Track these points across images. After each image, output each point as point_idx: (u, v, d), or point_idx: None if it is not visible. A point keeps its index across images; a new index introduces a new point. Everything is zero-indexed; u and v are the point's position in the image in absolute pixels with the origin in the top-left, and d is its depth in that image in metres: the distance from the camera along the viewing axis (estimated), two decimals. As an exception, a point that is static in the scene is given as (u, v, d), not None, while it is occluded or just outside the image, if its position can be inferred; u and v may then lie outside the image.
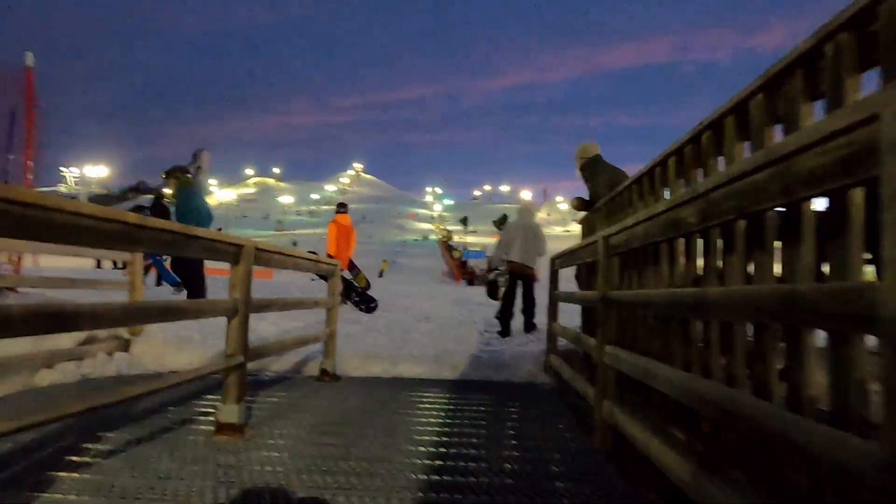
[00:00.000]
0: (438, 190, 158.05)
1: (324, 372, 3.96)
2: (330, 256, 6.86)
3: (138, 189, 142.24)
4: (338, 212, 7.96)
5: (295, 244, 50.97)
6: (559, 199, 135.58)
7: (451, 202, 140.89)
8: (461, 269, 28.25)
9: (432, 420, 2.89)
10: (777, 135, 1.32)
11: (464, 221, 51.43)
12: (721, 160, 1.63)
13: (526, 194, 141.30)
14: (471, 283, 24.93)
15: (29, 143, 5.70)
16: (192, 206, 5.84)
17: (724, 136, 1.58)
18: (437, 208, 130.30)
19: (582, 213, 4.46)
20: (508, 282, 6.11)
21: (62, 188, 51.37)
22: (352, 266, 7.98)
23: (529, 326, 6.14)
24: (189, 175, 6.22)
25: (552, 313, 4.41)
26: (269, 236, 77.89)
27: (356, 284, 7.78)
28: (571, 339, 3.48)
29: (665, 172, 2.13)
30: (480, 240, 60.76)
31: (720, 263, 1.54)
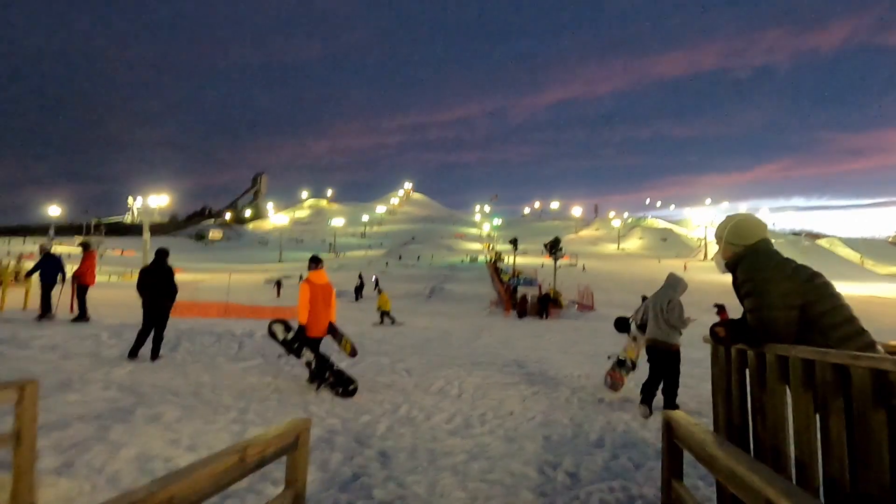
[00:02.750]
0: (487, 208, 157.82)
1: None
2: (302, 327, 5.65)
3: (203, 214, 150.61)
4: (310, 268, 6.12)
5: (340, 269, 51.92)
6: (611, 214, 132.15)
7: (500, 220, 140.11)
8: (511, 297, 27.41)
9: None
10: None
11: (514, 243, 50.77)
12: None
13: (577, 210, 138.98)
14: (522, 314, 24.13)
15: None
16: None
17: None
18: (486, 228, 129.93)
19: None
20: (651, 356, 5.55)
21: (127, 218, 54.84)
22: (333, 332, 6.42)
23: (671, 405, 5.37)
24: None
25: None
26: (323, 258, 79.81)
27: (330, 362, 5.78)
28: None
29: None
30: (531, 261, 59.69)
31: None
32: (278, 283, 34.24)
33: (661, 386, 5.41)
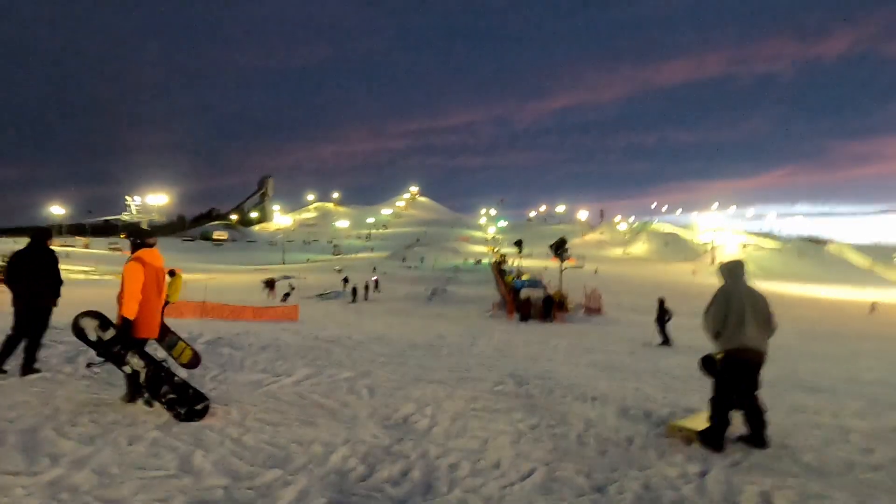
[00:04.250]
0: (493, 212, 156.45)
1: None
2: (128, 323, 3.86)
3: (210, 216, 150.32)
4: (138, 244, 4.20)
5: (340, 270, 50.47)
6: (617, 218, 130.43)
7: (506, 224, 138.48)
8: (514, 300, 25.73)
9: None
10: None
11: (518, 244, 49.13)
12: None
13: (583, 214, 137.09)
14: (525, 318, 22.45)
15: None
16: None
17: None
18: (492, 230, 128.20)
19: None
20: (730, 372, 3.92)
21: (125, 216, 53.71)
22: (165, 332, 4.86)
23: (759, 440, 3.84)
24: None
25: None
26: (325, 260, 78.90)
27: (167, 370, 3.90)
28: None
29: None
30: (536, 263, 58.21)
31: None
32: (270, 283, 32.70)
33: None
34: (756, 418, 3.83)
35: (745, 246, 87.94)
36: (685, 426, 3.99)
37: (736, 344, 3.83)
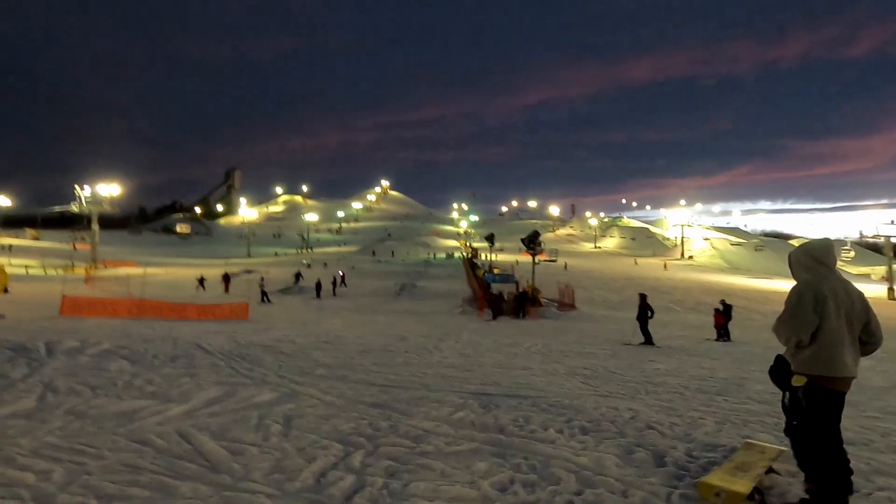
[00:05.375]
0: (465, 206, 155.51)
1: None
2: None
3: (173, 208, 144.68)
4: None
5: (308, 266, 48.46)
6: (588, 214, 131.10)
7: (477, 218, 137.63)
8: (485, 295, 24.53)
9: None
10: None
11: (489, 239, 48.06)
12: None
13: (554, 209, 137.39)
14: (496, 314, 21.23)
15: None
16: None
17: None
18: (464, 224, 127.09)
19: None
20: (819, 407, 2.64)
21: (74, 207, 50.28)
22: None
23: None
24: None
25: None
26: (294, 254, 76.34)
27: None
28: None
29: None
30: (507, 258, 57.41)
31: None
32: (226, 278, 30.67)
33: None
34: (836, 475, 2.60)
35: (706, 240, 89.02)
36: (730, 489, 2.72)
37: (828, 368, 2.57)
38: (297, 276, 34.90)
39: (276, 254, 77.41)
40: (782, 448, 3.34)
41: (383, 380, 5.81)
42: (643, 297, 13.19)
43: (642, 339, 12.56)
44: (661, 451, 3.57)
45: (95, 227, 50.64)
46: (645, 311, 12.76)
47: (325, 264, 49.57)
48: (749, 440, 3.60)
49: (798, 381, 2.67)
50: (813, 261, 2.75)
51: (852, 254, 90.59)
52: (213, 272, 40.36)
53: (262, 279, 29.17)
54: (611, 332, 16.84)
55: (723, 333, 14.94)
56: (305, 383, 5.35)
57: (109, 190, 50.38)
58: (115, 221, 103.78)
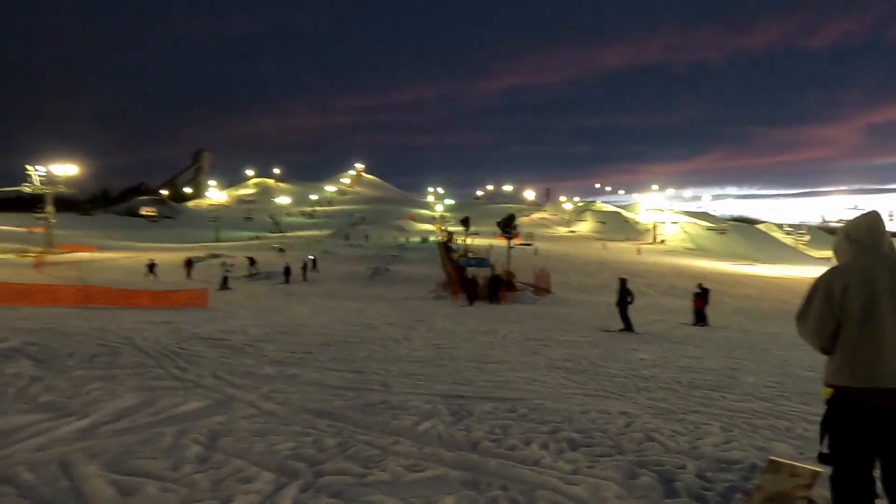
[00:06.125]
0: (441, 190, 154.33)
1: None
2: None
3: (138, 190, 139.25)
4: None
5: (281, 250, 46.92)
6: (563, 198, 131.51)
7: (453, 202, 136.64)
8: (460, 279, 23.83)
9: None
10: None
11: (465, 222, 47.34)
12: None
13: (529, 194, 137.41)
14: (471, 300, 20.55)
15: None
16: None
17: None
18: (439, 208, 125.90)
19: None
20: (847, 428, 1.97)
21: (26, 188, 47.39)
22: None
23: None
24: None
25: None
26: (265, 237, 74.17)
27: None
28: None
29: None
30: (482, 242, 57.07)
31: None
32: (188, 263, 29.18)
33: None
34: None
35: (674, 223, 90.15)
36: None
37: (858, 376, 1.94)
38: (252, 261, 32.69)
39: (257, 237, 75.31)
40: (816, 469, 2.74)
41: (340, 380, 5.06)
42: (623, 282, 12.70)
43: (622, 326, 12.11)
44: (668, 472, 2.92)
45: (50, 208, 47.96)
46: (625, 297, 12.28)
47: (282, 249, 47.77)
48: (773, 458, 3.00)
49: (825, 392, 2.04)
50: (848, 242, 2.07)
51: (807, 237, 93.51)
52: (177, 257, 38.67)
53: (226, 264, 27.79)
54: (588, 317, 16.42)
55: (701, 318, 14.65)
56: (246, 386, 4.57)
57: (65, 170, 47.63)
58: (78, 204, 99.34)
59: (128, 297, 14.94)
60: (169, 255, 45.52)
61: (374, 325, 10.87)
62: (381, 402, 4.24)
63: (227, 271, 26.11)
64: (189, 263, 28.75)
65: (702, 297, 15.01)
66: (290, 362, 5.79)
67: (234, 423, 3.55)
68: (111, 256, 41.95)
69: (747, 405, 4.72)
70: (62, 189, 47.68)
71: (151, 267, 26.96)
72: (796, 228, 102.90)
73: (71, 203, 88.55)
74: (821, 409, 2.05)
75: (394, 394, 4.57)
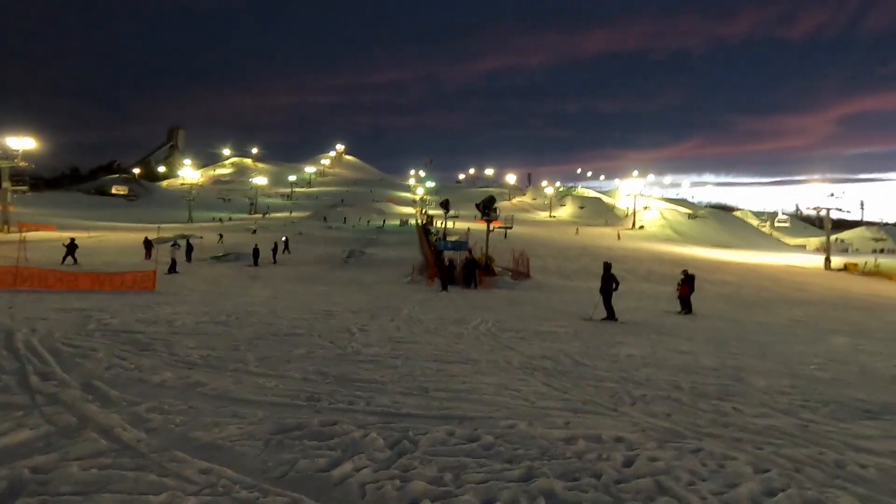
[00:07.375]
0: (422, 173, 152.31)
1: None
2: None
3: (110, 169, 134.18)
4: None
5: (254, 232, 45.09)
6: (544, 183, 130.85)
7: (434, 185, 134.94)
8: (437, 264, 22.71)
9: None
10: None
11: (444, 205, 46.16)
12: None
13: (511, 178, 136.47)
14: (446, 285, 19.43)
15: None
16: None
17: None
18: (420, 191, 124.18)
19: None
20: None
21: (-22, 165, 44.43)
22: None
23: None
24: None
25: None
26: (241, 219, 71.82)
27: None
28: None
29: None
30: (461, 225, 55.94)
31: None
32: (148, 243, 27.23)
33: None
34: None
35: (647, 208, 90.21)
36: None
37: None
38: (175, 244, 28.32)
39: (230, 218, 72.80)
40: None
41: (254, 390, 3.93)
42: (607, 267, 11.71)
43: (604, 314, 11.19)
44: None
45: (7, 184, 45.25)
46: (609, 283, 11.32)
47: (255, 231, 45.93)
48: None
49: None
50: None
51: (787, 224, 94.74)
52: (135, 237, 36.66)
53: (177, 244, 25.37)
54: (568, 303, 15.53)
55: (686, 305, 13.87)
56: (118, 403, 3.41)
57: (23, 143, 44.79)
58: (47, 182, 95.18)
59: (64, 279, 13.48)
60: (136, 235, 43.48)
61: (333, 312, 9.73)
62: (297, 425, 3.13)
63: (176, 252, 23.51)
64: (148, 244, 26.90)
65: (687, 283, 14.21)
66: (202, 364, 4.63)
67: (65, 471, 2.41)
68: (73, 236, 39.74)
69: (770, 422, 3.75)
70: (20, 164, 44.87)
71: (71, 248, 20.97)
72: (773, 217, 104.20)
73: (42, 181, 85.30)
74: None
75: (319, 411, 3.46)
